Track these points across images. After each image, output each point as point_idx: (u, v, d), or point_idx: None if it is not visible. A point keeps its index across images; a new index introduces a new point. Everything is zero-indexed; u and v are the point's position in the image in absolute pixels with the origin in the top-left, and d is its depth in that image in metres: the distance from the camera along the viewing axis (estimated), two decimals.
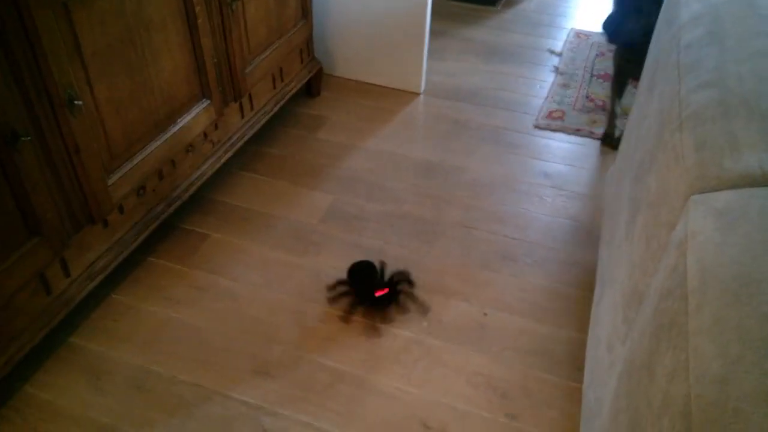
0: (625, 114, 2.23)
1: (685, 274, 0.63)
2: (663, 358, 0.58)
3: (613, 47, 2.01)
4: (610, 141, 2.07)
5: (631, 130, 1.33)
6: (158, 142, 1.48)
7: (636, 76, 1.87)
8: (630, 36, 1.67)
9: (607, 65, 2.44)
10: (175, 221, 1.73)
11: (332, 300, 1.53)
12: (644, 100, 1.24)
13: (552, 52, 2.63)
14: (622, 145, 1.43)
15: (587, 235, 1.74)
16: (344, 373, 1.37)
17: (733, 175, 0.74)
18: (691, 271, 0.62)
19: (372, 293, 1.49)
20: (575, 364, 1.39)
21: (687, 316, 0.57)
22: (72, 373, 1.36)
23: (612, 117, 2.07)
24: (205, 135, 1.67)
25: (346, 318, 1.48)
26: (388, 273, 1.56)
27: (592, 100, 2.31)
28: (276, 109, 1.98)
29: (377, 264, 1.56)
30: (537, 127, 2.18)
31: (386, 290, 1.49)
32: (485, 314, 1.51)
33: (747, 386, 0.47)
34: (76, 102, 1.20)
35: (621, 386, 0.74)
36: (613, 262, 1.10)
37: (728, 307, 0.54)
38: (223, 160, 1.76)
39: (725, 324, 0.53)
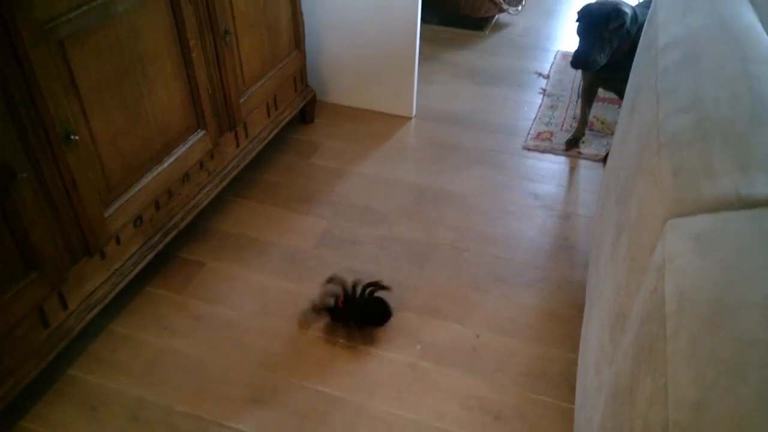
0: (610, 131, 2.27)
1: (663, 298, 0.65)
2: (643, 383, 0.60)
3: None
4: (574, 144, 2.20)
5: (615, 151, 1.36)
6: (155, 173, 1.51)
7: (604, 86, 2.05)
8: (598, 64, 1.83)
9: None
10: (171, 250, 1.74)
11: (316, 311, 1.56)
12: (626, 123, 1.27)
13: (539, 74, 2.68)
14: (609, 164, 1.46)
15: (577, 254, 1.76)
16: (339, 399, 1.38)
17: (710, 199, 0.76)
18: (669, 296, 0.64)
19: (339, 307, 1.52)
20: (568, 384, 1.40)
21: (665, 340, 0.59)
22: (69, 405, 1.37)
23: (582, 124, 2.20)
24: (201, 164, 1.70)
25: (335, 342, 1.50)
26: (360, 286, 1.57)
27: (578, 120, 2.34)
28: (270, 136, 2.01)
29: (348, 284, 1.57)
30: (526, 148, 2.21)
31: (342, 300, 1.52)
32: (477, 336, 1.52)
33: (722, 411, 0.49)
34: (72, 137, 1.23)
35: (607, 408, 0.76)
36: (600, 282, 1.13)
37: (704, 332, 0.56)
38: (218, 189, 1.78)
39: (701, 349, 0.55)
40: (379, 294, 1.55)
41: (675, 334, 0.58)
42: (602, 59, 1.81)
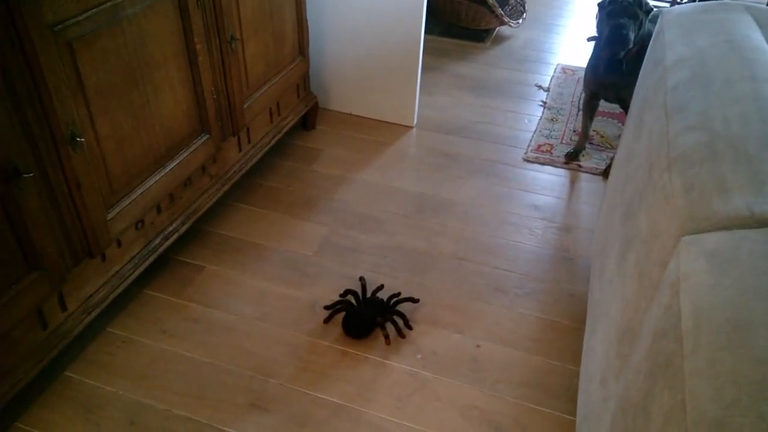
0: (610, 145, 2.28)
1: (679, 315, 0.65)
2: (659, 399, 0.60)
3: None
4: (574, 157, 2.22)
5: (619, 167, 1.37)
6: (158, 177, 1.50)
7: (607, 94, 2.05)
8: (630, 41, 1.83)
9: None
10: (171, 253, 1.73)
11: (326, 320, 1.57)
12: (632, 139, 1.28)
13: (539, 87, 2.70)
14: (612, 180, 1.47)
15: (577, 266, 1.77)
16: (339, 406, 1.37)
17: (723, 216, 0.77)
18: (685, 313, 0.64)
19: (356, 311, 1.55)
20: (568, 395, 1.41)
21: (682, 357, 0.60)
22: (66, 408, 1.35)
23: (583, 138, 2.22)
24: (204, 169, 1.69)
25: (335, 349, 1.50)
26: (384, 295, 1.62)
27: (579, 134, 2.36)
28: (273, 142, 2.01)
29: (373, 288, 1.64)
30: (526, 160, 2.22)
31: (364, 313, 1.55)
32: (478, 346, 1.52)
33: (743, 430, 0.49)
34: (78, 138, 1.22)
35: (615, 423, 0.76)
36: (605, 296, 1.13)
37: (722, 350, 0.57)
38: (220, 193, 1.78)
39: (720, 367, 0.55)
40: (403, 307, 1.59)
41: (693, 352, 0.59)
42: (632, 40, 1.83)
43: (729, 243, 0.70)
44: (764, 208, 0.74)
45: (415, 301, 1.60)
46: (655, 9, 1.92)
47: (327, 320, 1.56)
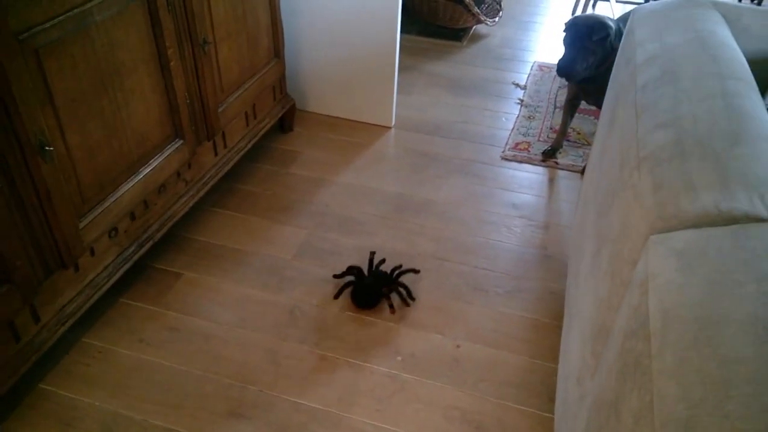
0: (586, 142, 2.30)
1: (647, 314, 0.66)
2: (629, 399, 0.60)
3: None
4: (551, 155, 2.24)
5: (593, 164, 1.38)
6: (131, 184, 1.48)
7: (588, 99, 2.08)
8: (580, 74, 1.88)
9: None
10: (147, 261, 1.71)
11: (336, 296, 1.64)
12: (605, 136, 1.29)
13: (516, 85, 2.71)
14: (587, 177, 1.47)
15: (556, 264, 1.78)
16: (319, 412, 1.36)
17: (691, 215, 0.78)
18: (653, 312, 0.65)
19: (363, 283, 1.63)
20: (549, 394, 1.41)
21: (650, 357, 0.60)
22: (42, 421, 1.33)
23: (561, 135, 2.24)
24: (179, 174, 1.67)
25: (314, 353, 1.49)
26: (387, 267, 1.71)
27: (556, 131, 2.37)
28: (249, 145, 2.00)
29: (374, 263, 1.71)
30: (504, 158, 2.23)
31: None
32: (458, 346, 1.52)
33: (710, 429, 0.49)
34: (47, 148, 1.20)
35: (591, 423, 0.76)
36: (580, 294, 1.14)
37: (690, 350, 0.57)
38: (196, 199, 1.76)
39: (687, 366, 0.55)
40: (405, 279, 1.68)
41: (660, 352, 0.59)
42: (584, 70, 1.87)
43: (697, 241, 0.71)
44: (731, 205, 0.75)
45: (416, 271, 1.70)
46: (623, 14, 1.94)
47: (337, 296, 1.64)
